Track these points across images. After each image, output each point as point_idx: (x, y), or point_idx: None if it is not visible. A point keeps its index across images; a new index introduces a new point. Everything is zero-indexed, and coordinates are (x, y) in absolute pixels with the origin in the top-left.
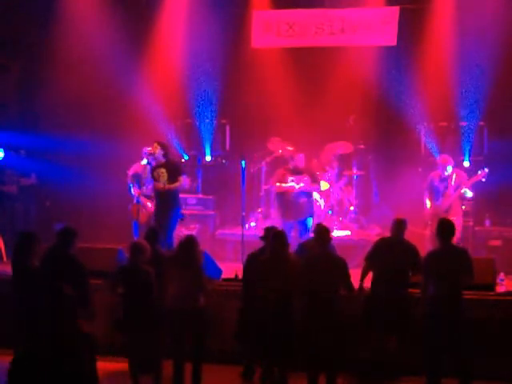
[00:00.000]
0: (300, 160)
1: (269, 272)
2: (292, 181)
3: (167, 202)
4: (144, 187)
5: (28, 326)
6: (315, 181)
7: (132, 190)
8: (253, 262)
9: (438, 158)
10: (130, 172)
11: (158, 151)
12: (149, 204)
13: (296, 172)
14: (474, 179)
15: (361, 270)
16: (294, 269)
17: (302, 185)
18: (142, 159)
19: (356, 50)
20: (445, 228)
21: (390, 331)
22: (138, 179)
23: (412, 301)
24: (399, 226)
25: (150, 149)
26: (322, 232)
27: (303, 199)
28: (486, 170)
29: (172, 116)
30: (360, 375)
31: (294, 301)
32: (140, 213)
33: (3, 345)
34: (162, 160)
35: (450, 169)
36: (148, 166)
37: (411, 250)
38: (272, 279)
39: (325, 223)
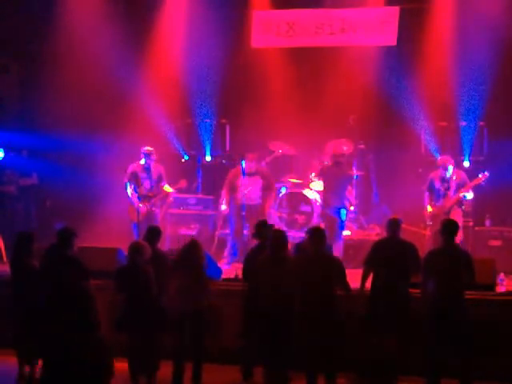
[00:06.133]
0: (249, 161)
1: (268, 272)
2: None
3: None
4: (142, 187)
5: (27, 326)
6: (268, 182)
7: (128, 189)
8: (251, 260)
9: (438, 160)
10: (128, 171)
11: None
12: (141, 205)
13: (248, 174)
14: (475, 182)
15: (361, 275)
16: (292, 269)
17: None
18: (140, 159)
19: (356, 50)
20: (449, 227)
21: (390, 331)
22: (135, 178)
23: (412, 301)
24: (394, 225)
25: (147, 148)
26: (317, 232)
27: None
28: (487, 173)
29: (172, 116)
30: (360, 375)
31: (293, 301)
32: (137, 212)
33: (3, 345)
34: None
35: (450, 169)
36: (145, 166)
37: (409, 248)
38: (271, 279)
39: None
